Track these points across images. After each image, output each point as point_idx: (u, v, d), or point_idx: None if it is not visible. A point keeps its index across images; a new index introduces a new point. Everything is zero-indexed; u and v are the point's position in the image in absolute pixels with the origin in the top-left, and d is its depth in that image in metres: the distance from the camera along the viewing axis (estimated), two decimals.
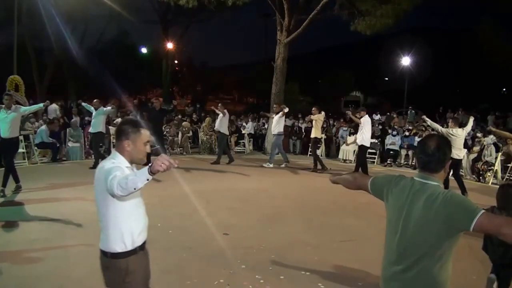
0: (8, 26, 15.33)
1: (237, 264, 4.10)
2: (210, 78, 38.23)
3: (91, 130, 9.54)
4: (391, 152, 11.99)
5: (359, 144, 9.49)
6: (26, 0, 16.19)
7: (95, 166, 8.75)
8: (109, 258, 2.07)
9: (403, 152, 11.82)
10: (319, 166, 10.07)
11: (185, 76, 38.52)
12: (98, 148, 9.61)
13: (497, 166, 9.47)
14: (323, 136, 12.71)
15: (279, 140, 10.63)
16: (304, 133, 14.33)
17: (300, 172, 10.07)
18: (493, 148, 9.81)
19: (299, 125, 15.12)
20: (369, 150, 12.36)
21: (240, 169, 10.11)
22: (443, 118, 19.21)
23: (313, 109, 10.41)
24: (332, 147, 13.67)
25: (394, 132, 12.18)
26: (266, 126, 14.75)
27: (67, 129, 11.19)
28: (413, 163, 11.36)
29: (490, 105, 23.39)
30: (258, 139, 14.82)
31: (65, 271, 3.85)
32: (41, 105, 8.23)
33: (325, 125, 13.37)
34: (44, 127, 10.39)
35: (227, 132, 11.02)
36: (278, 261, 4.14)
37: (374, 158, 12.32)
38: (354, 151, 12.53)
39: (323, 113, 10.53)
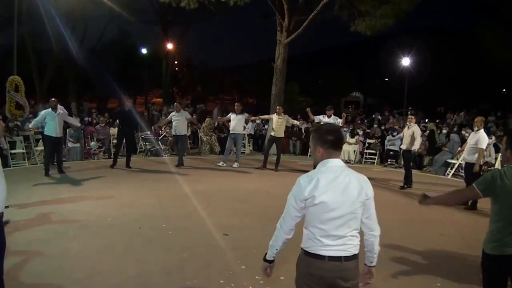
0: (8, 26, 15.32)
1: (237, 264, 4.10)
2: (210, 79, 38.24)
3: (54, 134, 8.49)
4: (391, 152, 11.98)
5: None
6: (26, 0, 16.17)
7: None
8: None
9: None
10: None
11: (185, 77, 38.53)
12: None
13: (497, 167, 9.47)
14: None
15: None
16: (304, 134, 14.33)
17: (300, 173, 10.04)
18: (492, 149, 9.81)
19: (299, 125, 15.10)
20: (369, 151, 12.41)
21: (240, 169, 10.11)
22: (443, 118, 19.23)
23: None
24: None
25: (394, 133, 12.17)
26: (266, 126, 14.74)
27: (67, 130, 11.18)
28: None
29: (490, 105, 23.37)
30: (258, 139, 14.81)
31: (65, 271, 3.84)
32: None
33: None
34: None
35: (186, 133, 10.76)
36: (278, 262, 4.09)
37: (374, 158, 12.32)
38: (354, 151, 12.57)
39: None
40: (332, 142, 2.10)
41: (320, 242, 2.06)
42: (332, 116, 9.60)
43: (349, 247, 2.08)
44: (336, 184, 2.04)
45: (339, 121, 9.61)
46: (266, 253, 2.22)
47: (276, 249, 2.18)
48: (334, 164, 2.10)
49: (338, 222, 2.05)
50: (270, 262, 2.24)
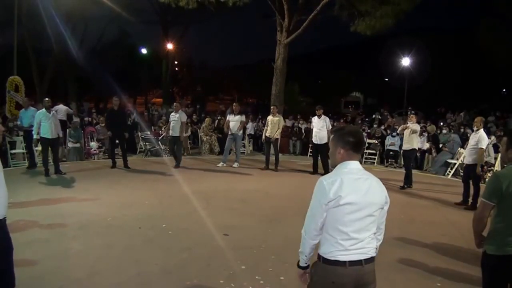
0: (8, 26, 15.32)
1: (237, 264, 4.09)
2: (210, 79, 38.28)
3: (49, 135, 8.30)
4: (391, 152, 11.98)
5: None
6: (26, 0, 16.17)
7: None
8: None
9: None
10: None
11: (185, 77, 38.56)
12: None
13: (497, 167, 9.46)
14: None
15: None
16: (304, 134, 14.34)
17: (300, 173, 10.06)
18: (491, 149, 9.81)
19: (299, 125, 15.13)
20: (369, 151, 12.41)
21: (240, 169, 10.10)
22: (443, 118, 19.23)
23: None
24: None
25: (394, 133, 12.17)
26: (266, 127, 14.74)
27: (67, 130, 11.18)
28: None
29: (490, 105, 23.38)
30: (258, 140, 14.81)
31: (65, 271, 3.84)
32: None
33: None
34: None
35: (180, 135, 10.07)
36: (278, 262, 4.14)
37: (374, 158, 12.32)
38: None
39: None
40: (354, 144, 2.07)
41: (341, 246, 2.00)
42: (322, 116, 9.58)
43: (368, 250, 2.05)
44: (359, 185, 2.01)
45: (328, 121, 9.59)
46: (299, 260, 2.20)
47: (305, 256, 2.14)
48: (354, 166, 2.07)
49: (360, 225, 2.01)
50: (305, 268, 2.19)
